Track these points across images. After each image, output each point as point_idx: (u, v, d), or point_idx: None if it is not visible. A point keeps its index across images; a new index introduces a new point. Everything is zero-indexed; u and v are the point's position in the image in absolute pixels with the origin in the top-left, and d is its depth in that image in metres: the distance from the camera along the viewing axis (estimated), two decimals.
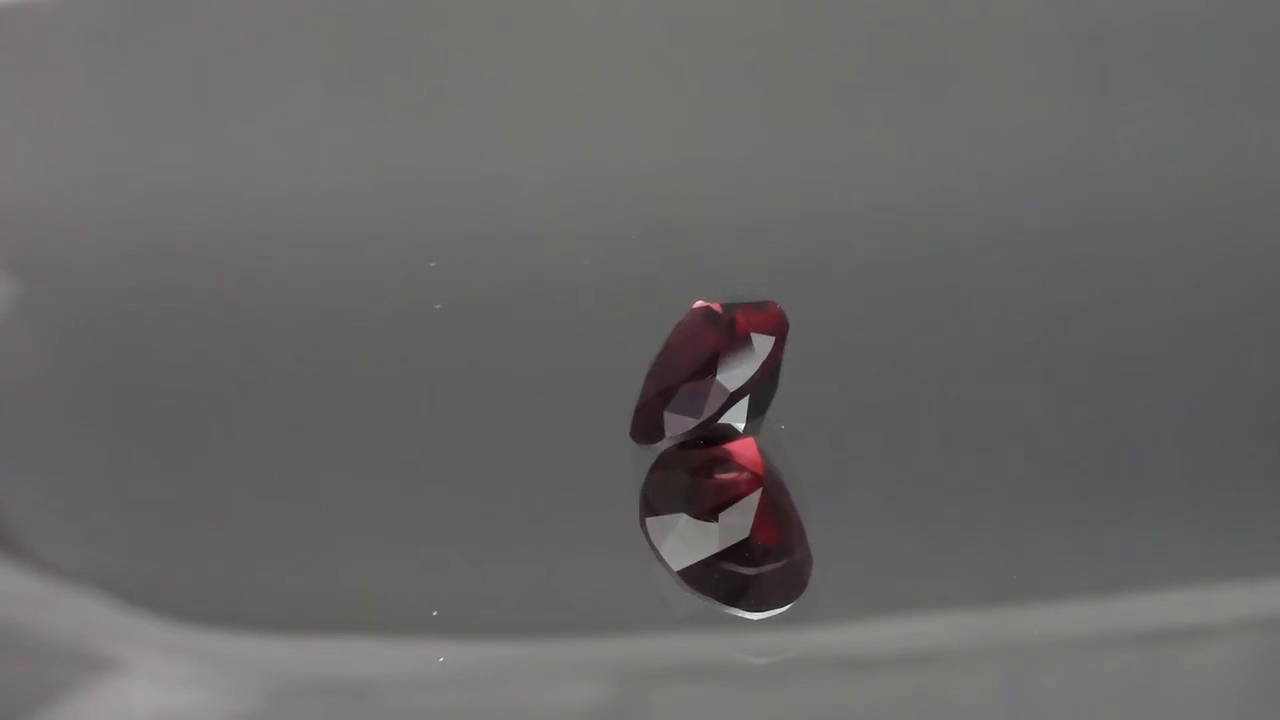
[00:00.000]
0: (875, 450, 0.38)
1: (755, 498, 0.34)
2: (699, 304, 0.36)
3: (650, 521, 0.35)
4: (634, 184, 0.45)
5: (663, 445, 0.35)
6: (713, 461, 0.35)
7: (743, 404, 0.35)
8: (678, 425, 0.35)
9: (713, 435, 0.35)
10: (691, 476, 0.35)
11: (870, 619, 0.35)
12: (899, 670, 0.35)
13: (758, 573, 0.34)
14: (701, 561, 0.34)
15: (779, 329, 0.35)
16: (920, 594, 0.35)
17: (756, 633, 0.34)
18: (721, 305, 0.35)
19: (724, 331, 0.35)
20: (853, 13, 0.50)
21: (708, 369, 0.35)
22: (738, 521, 0.34)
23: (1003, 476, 0.37)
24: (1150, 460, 0.38)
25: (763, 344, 0.35)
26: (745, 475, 0.35)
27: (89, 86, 0.48)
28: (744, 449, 0.35)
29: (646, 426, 0.35)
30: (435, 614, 0.35)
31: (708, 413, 0.34)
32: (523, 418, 0.39)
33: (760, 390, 0.35)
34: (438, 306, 0.41)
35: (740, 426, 0.35)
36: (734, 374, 0.34)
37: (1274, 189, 0.44)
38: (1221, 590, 0.36)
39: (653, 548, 0.35)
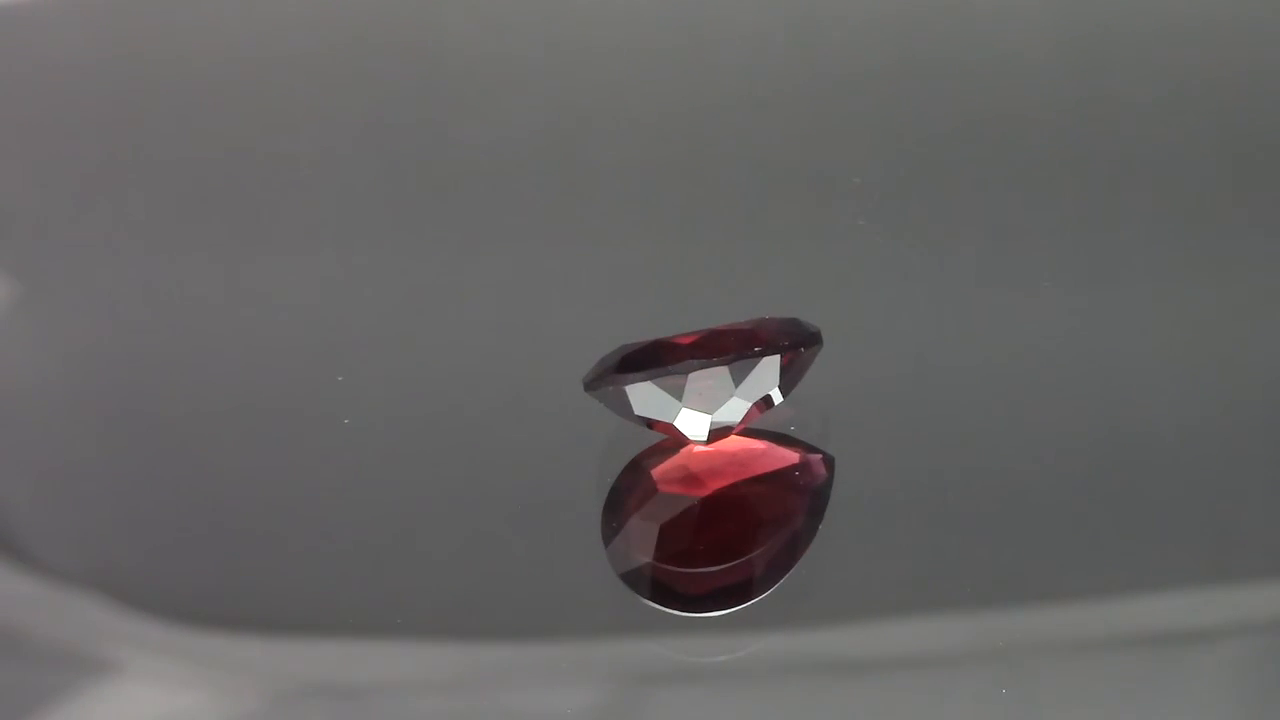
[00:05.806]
0: (873, 449, 0.38)
1: (693, 500, 0.34)
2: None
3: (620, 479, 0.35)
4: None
5: (604, 387, 0.34)
6: (714, 457, 0.35)
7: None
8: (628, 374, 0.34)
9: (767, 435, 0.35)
10: (680, 451, 0.35)
11: (865, 620, 0.35)
12: (893, 672, 0.35)
13: (648, 564, 0.34)
14: (614, 523, 0.34)
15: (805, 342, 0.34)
16: (916, 595, 0.35)
17: (748, 634, 0.34)
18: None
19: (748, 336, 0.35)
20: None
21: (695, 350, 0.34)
22: (661, 509, 0.34)
23: (1001, 476, 0.37)
24: (1150, 461, 0.38)
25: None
26: (705, 483, 0.34)
27: (89, 86, 0.48)
28: (748, 459, 0.35)
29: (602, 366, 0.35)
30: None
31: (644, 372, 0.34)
32: (518, 418, 0.39)
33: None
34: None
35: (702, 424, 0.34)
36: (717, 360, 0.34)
37: None
38: (1222, 592, 0.36)
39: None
